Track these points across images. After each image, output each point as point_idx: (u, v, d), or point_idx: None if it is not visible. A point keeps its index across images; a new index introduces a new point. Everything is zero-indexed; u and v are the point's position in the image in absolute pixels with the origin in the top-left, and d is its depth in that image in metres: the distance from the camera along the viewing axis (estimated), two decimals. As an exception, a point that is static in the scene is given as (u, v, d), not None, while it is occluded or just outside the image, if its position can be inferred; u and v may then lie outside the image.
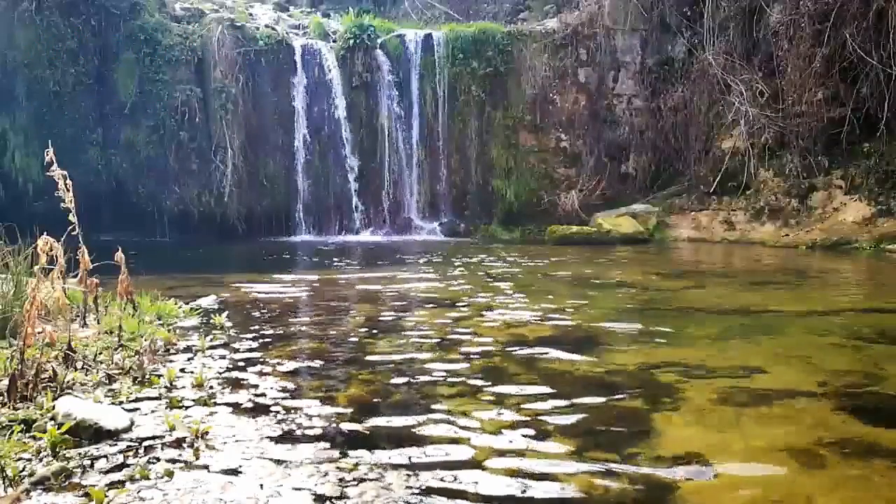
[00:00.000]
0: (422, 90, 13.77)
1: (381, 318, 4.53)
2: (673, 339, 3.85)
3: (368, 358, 3.32)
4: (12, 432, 2.16)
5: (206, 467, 1.97)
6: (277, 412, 2.47)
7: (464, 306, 4.91)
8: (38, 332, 2.86)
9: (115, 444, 2.13)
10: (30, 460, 2.01)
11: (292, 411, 2.48)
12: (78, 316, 3.69)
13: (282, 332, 3.99)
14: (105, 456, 2.05)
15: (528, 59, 13.80)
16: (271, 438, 2.21)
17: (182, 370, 3.02)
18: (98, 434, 2.18)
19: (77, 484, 1.85)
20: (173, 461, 2.01)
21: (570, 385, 2.86)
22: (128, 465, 1.97)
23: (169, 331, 3.75)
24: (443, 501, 1.77)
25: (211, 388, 2.77)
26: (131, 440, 2.17)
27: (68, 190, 3.35)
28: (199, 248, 11.34)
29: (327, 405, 2.56)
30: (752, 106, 12.18)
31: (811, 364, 3.23)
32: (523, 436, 2.23)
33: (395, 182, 13.77)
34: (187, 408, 2.51)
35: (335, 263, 9.05)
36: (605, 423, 2.38)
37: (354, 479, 1.89)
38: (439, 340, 3.70)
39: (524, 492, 1.83)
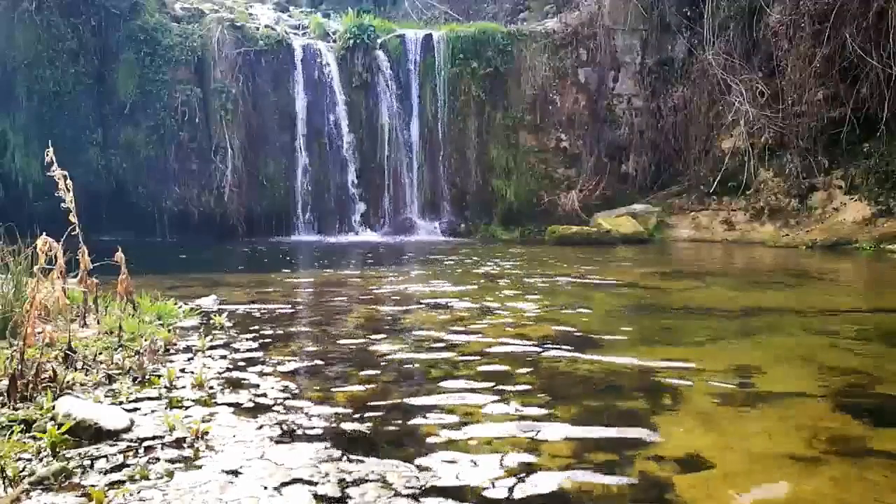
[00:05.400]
0: (422, 90, 13.77)
1: (380, 318, 4.53)
2: (673, 339, 3.85)
3: (368, 358, 3.32)
4: (12, 432, 2.16)
5: (206, 467, 1.97)
6: (278, 412, 2.47)
7: (464, 306, 4.91)
8: (38, 332, 2.86)
9: (115, 444, 2.13)
10: (30, 460, 2.01)
11: (293, 411, 2.48)
12: (78, 316, 3.69)
13: (282, 332, 3.99)
14: (105, 456, 2.04)
15: (528, 59, 13.80)
16: (272, 438, 2.21)
17: (182, 370, 3.02)
18: (98, 434, 2.17)
19: (77, 484, 1.85)
20: (173, 461, 2.01)
21: (570, 384, 2.86)
22: (128, 466, 1.97)
23: (169, 331, 3.75)
24: (443, 501, 1.77)
25: (211, 388, 2.77)
26: (131, 440, 2.17)
27: (68, 190, 3.35)
28: (199, 248, 11.34)
29: (327, 405, 2.56)
30: (752, 106, 12.19)
31: (811, 364, 3.23)
32: (524, 435, 2.23)
33: (395, 182, 13.77)
34: (187, 408, 2.51)
35: (335, 263, 9.05)
36: (606, 422, 2.38)
37: (355, 479, 1.89)
38: (439, 340, 3.70)
39: (525, 491, 1.82)
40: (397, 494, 1.80)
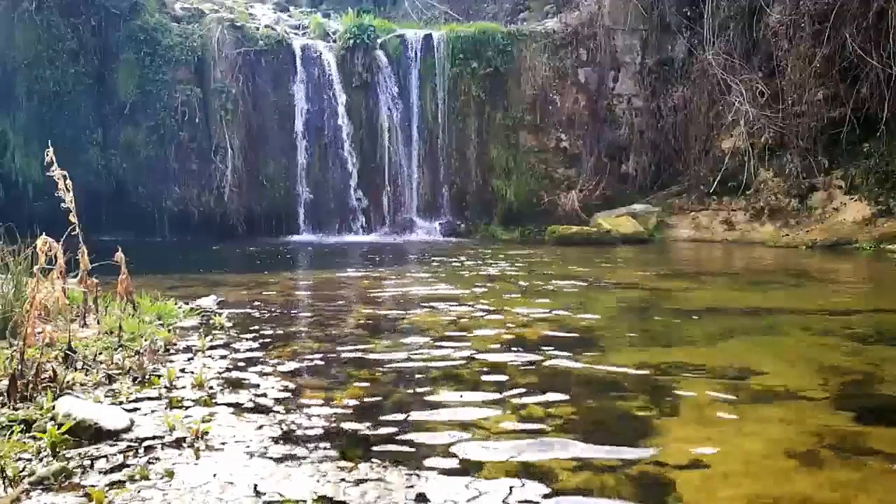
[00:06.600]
0: (422, 90, 13.76)
1: (380, 318, 4.53)
2: (673, 339, 3.85)
3: (368, 358, 3.32)
4: (12, 432, 2.16)
5: (206, 467, 1.97)
6: (277, 412, 2.47)
7: (463, 306, 4.91)
8: (38, 333, 2.86)
9: (115, 445, 2.13)
10: (30, 460, 2.01)
11: (292, 411, 2.48)
12: (78, 316, 3.69)
13: (282, 332, 3.99)
14: (105, 456, 2.04)
15: (528, 59, 13.79)
16: (271, 438, 2.21)
17: (182, 370, 3.02)
18: (98, 434, 2.18)
19: (77, 484, 1.85)
20: (173, 461, 2.01)
21: (570, 385, 2.86)
22: (128, 466, 1.97)
23: (169, 331, 3.75)
24: (443, 501, 1.77)
25: (211, 388, 2.77)
26: (131, 440, 2.17)
27: (68, 190, 3.35)
28: (199, 248, 11.34)
29: (327, 405, 2.56)
30: (752, 106, 12.18)
31: (811, 364, 3.23)
32: (523, 435, 2.23)
33: (395, 182, 13.77)
34: (187, 408, 2.51)
35: (335, 263, 9.05)
36: (605, 422, 2.38)
37: (355, 479, 1.89)
38: (439, 340, 3.70)
39: (525, 491, 1.82)
40: (397, 495, 1.80)
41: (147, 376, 2.87)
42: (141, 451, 2.09)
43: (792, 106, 11.90)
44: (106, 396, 2.62)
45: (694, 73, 13.26)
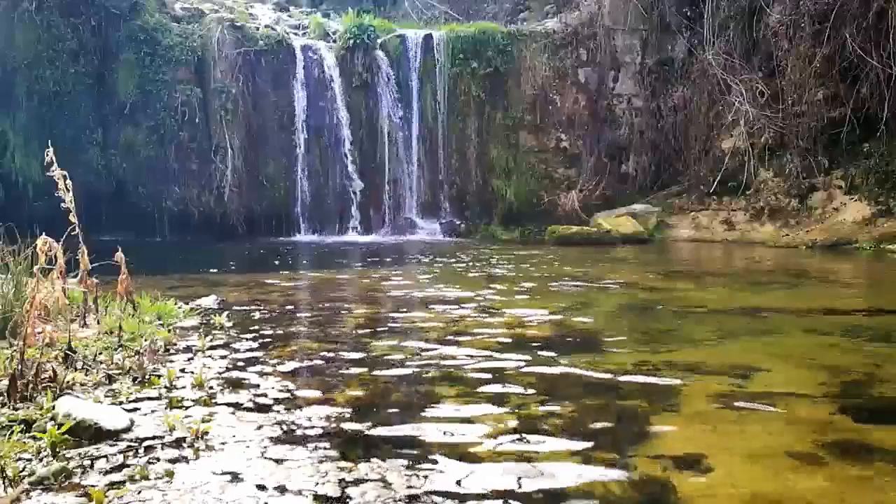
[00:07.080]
0: (422, 90, 13.77)
1: (380, 319, 4.53)
2: (673, 339, 3.85)
3: (368, 358, 3.32)
4: (12, 432, 2.16)
5: (206, 467, 1.97)
6: (278, 412, 2.47)
7: (463, 307, 4.91)
8: (38, 332, 2.86)
9: (115, 444, 2.13)
10: (30, 460, 2.00)
11: (292, 411, 2.48)
12: (78, 316, 3.69)
13: (282, 332, 3.99)
14: (105, 456, 2.04)
15: (528, 59, 13.80)
16: (271, 438, 2.21)
17: (182, 370, 3.02)
18: (98, 434, 2.17)
19: (77, 484, 1.85)
20: (173, 461, 2.01)
21: (570, 386, 2.86)
22: (128, 466, 1.97)
23: (169, 331, 3.75)
24: (443, 501, 1.77)
25: (211, 388, 2.77)
26: (131, 440, 2.17)
27: (68, 190, 3.36)
28: (199, 248, 11.34)
29: (327, 405, 2.56)
30: (752, 106, 12.19)
31: (811, 364, 3.22)
32: (523, 436, 2.23)
33: (395, 182, 13.78)
34: (187, 408, 2.51)
35: (335, 264, 9.05)
36: (605, 423, 2.38)
37: (355, 479, 1.89)
38: (439, 341, 3.70)
39: (524, 492, 1.82)
40: (397, 495, 1.80)
41: (147, 376, 2.87)
42: (141, 451, 2.09)
43: (792, 106, 11.91)
44: (106, 396, 2.61)
45: (694, 73, 13.26)
